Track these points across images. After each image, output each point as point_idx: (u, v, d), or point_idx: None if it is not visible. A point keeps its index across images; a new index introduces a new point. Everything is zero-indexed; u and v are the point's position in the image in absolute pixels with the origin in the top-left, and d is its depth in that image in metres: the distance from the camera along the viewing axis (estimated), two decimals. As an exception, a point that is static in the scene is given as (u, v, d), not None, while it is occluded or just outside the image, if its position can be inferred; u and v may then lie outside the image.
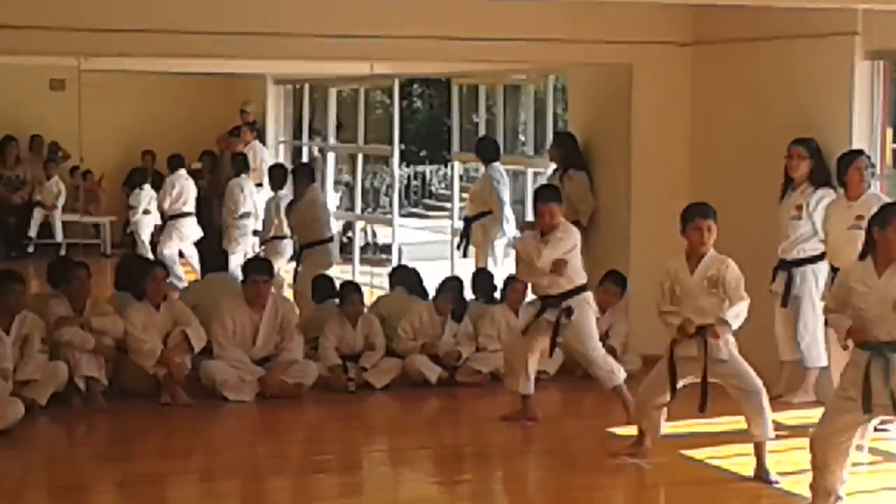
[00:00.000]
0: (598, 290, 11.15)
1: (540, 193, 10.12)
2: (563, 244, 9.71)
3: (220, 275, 12.66)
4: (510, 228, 13.61)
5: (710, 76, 11.97)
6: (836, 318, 7.49)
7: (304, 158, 19.28)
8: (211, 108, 20.39)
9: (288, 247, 14.71)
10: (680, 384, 8.70)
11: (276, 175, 15.22)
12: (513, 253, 13.89)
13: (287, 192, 14.72)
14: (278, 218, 14.64)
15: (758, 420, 8.52)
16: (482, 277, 12.59)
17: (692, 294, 8.55)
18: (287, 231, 14.34)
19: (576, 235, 9.83)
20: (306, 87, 19.27)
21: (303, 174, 14.17)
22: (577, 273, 9.79)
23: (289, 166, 18.17)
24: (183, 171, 17.33)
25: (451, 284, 11.95)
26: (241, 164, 16.51)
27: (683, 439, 9.35)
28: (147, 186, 18.41)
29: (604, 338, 10.87)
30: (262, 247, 15.16)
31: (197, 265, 15.76)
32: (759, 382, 8.55)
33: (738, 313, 8.45)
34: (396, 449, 9.92)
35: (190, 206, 17.10)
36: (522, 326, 10.00)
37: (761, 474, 8.54)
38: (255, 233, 15.78)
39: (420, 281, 12.55)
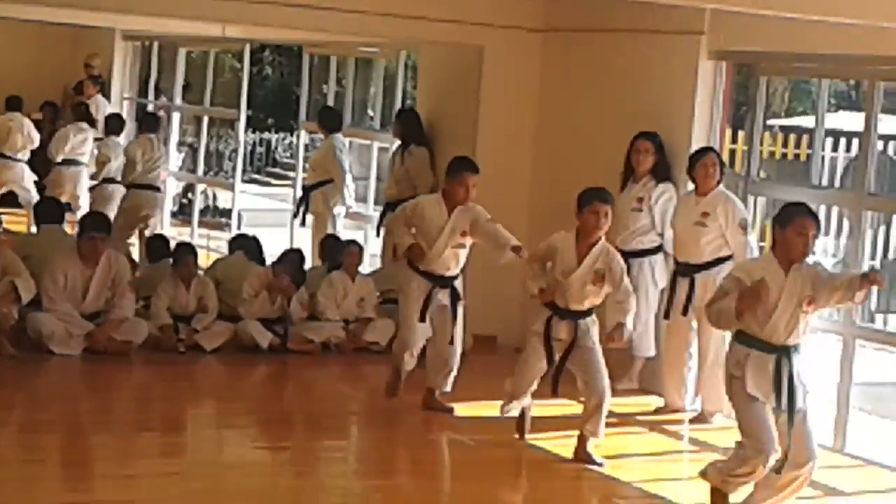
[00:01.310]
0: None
1: (467, 163, 9.69)
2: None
3: (54, 227, 12.46)
4: (350, 197, 13.67)
5: (559, 64, 12.10)
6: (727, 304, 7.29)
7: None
8: (55, 58, 19.97)
9: (117, 191, 14.72)
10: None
11: (113, 123, 15.30)
12: (348, 222, 13.99)
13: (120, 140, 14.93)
14: (108, 160, 14.67)
15: (595, 419, 8.59)
16: (329, 243, 12.58)
17: (576, 281, 8.55)
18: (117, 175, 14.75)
19: None
20: (155, 44, 19.00)
21: (148, 122, 14.85)
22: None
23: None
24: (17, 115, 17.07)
25: (291, 256, 11.95)
26: (83, 113, 16.28)
27: (512, 420, 9.46)
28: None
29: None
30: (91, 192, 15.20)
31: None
32: (607, 384, 8.61)
33: (628, 311, 8.49)
34: (222, 412, 9.89)
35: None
36: (417, 311, 9.48)
37: (584, 456, 8.67)
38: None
39: (260, 250, 12.50)
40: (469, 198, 9.44)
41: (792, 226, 7.24)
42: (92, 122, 16.32)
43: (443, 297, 9.52)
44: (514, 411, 9.01)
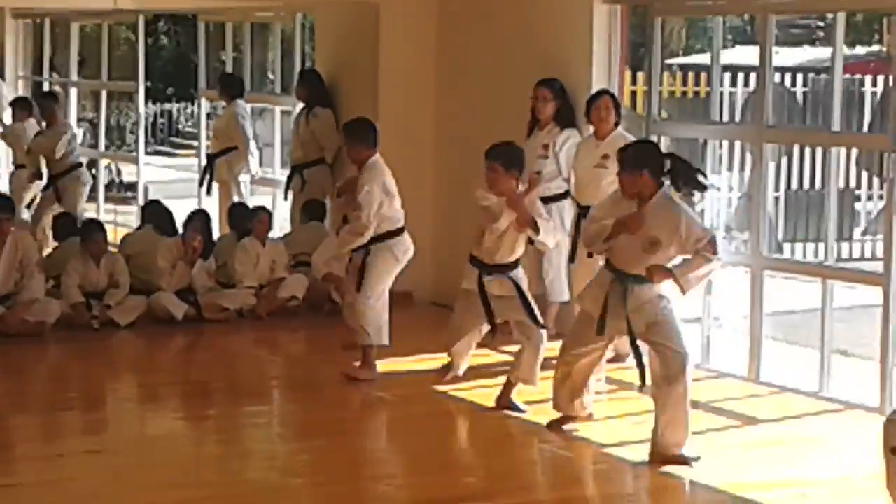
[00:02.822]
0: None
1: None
2: None
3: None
4: (255, 164, 13.63)
5: (456, 16, 12.10)
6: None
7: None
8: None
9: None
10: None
11: (21, 107, 15.12)
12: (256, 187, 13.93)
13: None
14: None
15: (529, 365, 8.63)
16: (237, 211, 12.53)
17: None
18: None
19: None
20: (47, 21, 18.76)
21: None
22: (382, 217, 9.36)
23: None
24: None
25: (199, 216, 11.90)
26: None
27: (429, 374, 9.50)
28: None
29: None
30: None
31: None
32: (543, 331, 8.69)
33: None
34: (142, 385, 9.87)
35: None
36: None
37: (507, 404, 8.73)
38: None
39: (171, 220, 12.42)
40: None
41: (628, 169, 7.81)
42: None
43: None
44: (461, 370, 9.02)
